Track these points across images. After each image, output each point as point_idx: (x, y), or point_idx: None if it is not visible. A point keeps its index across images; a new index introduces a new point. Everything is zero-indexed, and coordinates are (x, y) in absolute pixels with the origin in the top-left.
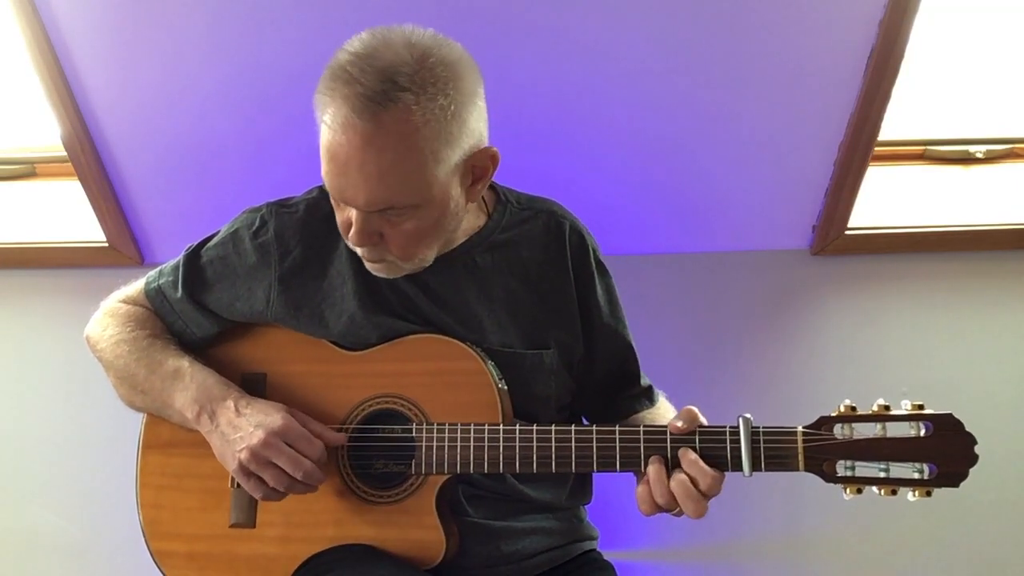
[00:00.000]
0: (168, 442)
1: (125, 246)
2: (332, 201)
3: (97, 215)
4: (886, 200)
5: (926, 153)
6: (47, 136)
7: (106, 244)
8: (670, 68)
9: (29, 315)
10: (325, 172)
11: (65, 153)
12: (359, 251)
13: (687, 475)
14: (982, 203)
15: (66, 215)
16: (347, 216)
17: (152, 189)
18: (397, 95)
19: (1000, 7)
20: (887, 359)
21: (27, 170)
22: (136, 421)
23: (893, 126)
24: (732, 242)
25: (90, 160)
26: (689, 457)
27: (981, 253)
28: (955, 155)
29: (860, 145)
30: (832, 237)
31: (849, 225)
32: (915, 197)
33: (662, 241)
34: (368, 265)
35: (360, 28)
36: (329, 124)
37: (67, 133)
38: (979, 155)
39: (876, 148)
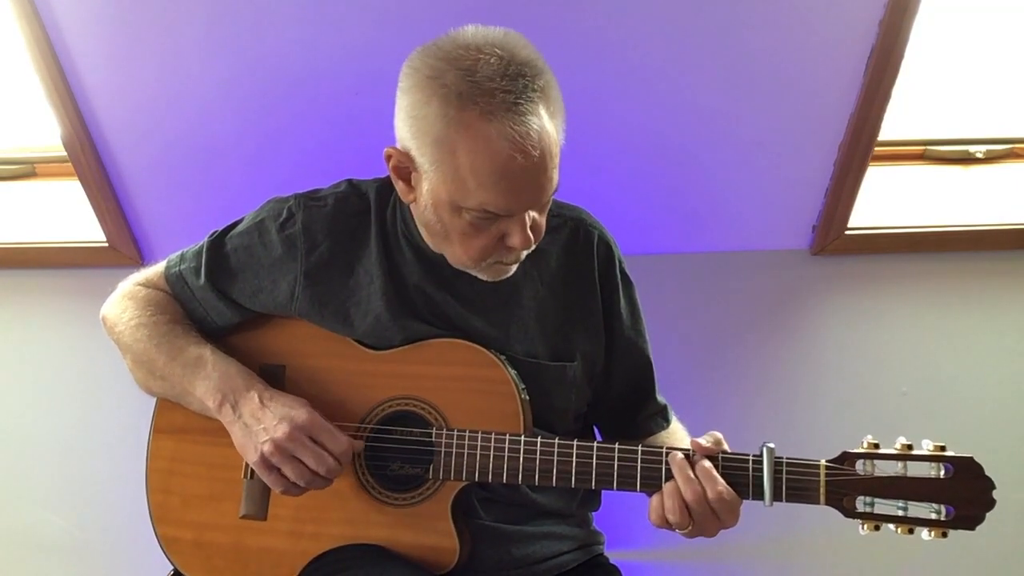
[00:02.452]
0: (181, 428)
1: (125, 246)
2: (468, 227)
3: (97, 215)
4: (886, 200)
5: (926, 153)
6: (47, 136)
7: (106, 244)
8: (670, 68)
9: (29, 315)
10: (497, 193)
11: (65, 153)
12: (512, 255)
13: (697, 479)
14: (982, 203)
15: (66, 215)
16: (497, 230)
17: (152, 189)
18: (537, 83)
19: (1000, 7)
20: (887, 359)
21: (27, 170)
22: (137, 421)
23: (893, 126)
24: (732, 242)
25: (90, 160)
26: (703, 465)
27: (981, 253)
28: (955, 155)
29: (860, 145)
30: (832, 237)
31: (849, 225)
32: (915, 197)
33: (662, 241)
34: (499, 271)
35: (362, 29)
36: (502, 139)
37: (67, 133)
38: (979, 155)
39: (876, 148)
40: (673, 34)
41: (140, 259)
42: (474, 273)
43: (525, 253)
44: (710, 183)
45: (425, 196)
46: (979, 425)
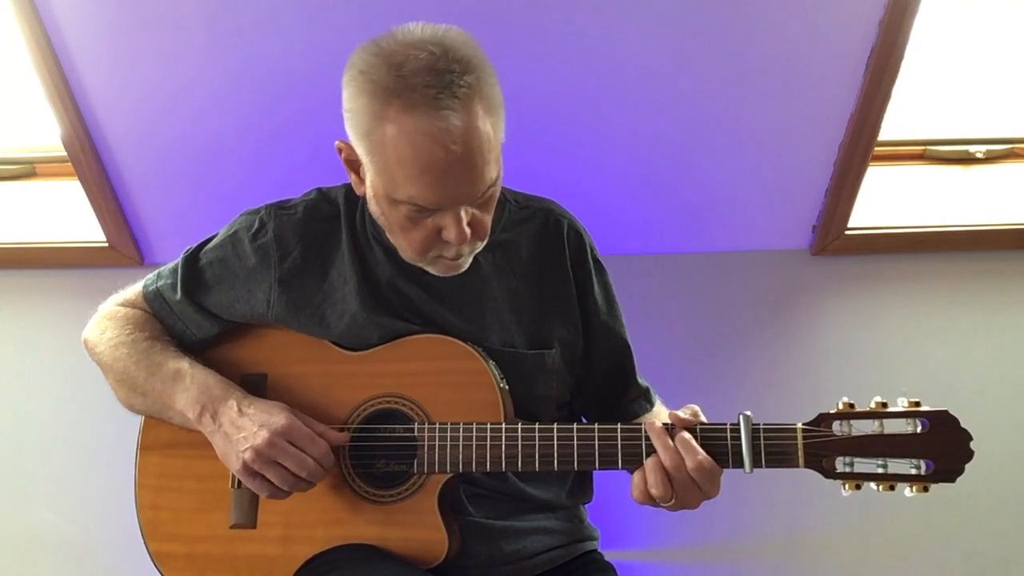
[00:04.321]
0: (167, 443)
1: (125, 246)
2: (406, 221)
3: (97, 215)
4: (886, 200)
5: (926, 153)
6: (47, 136)
7: (106, 244)
8: (670, 68)
9: (29, 315)
10: (420, 188)
11: (65, 153)
12: (450, 251)
13: (678, 451)
14: (982, 203)
15: (66, 215)
16: (429, 231)
17: (152, 189)
18: (465, 79)
19: (1000, 8)
20: (887, 359)
21: (27, 170)
22: (136, 421)
23: (893, 126)
24: (732, 242)
25: (90, 160)
26: (682, 436)
27: (981, 253)
28: (955, 155)
29: (860, 145)
30: (832, 237)
31: (849, 225)
32: (915, 197)
33: (662, 241)
34: (446, 266)
35: (361, 29)
36: (422, 134)
37: (67, 133)
38: (979, 155)
39: (876, 148)
40: (674, 34)
41: (140, 259)
42: (424, 267)
43: (470, 249)
44: (710, 183)
45: (369, 189)
46: (979, 425)
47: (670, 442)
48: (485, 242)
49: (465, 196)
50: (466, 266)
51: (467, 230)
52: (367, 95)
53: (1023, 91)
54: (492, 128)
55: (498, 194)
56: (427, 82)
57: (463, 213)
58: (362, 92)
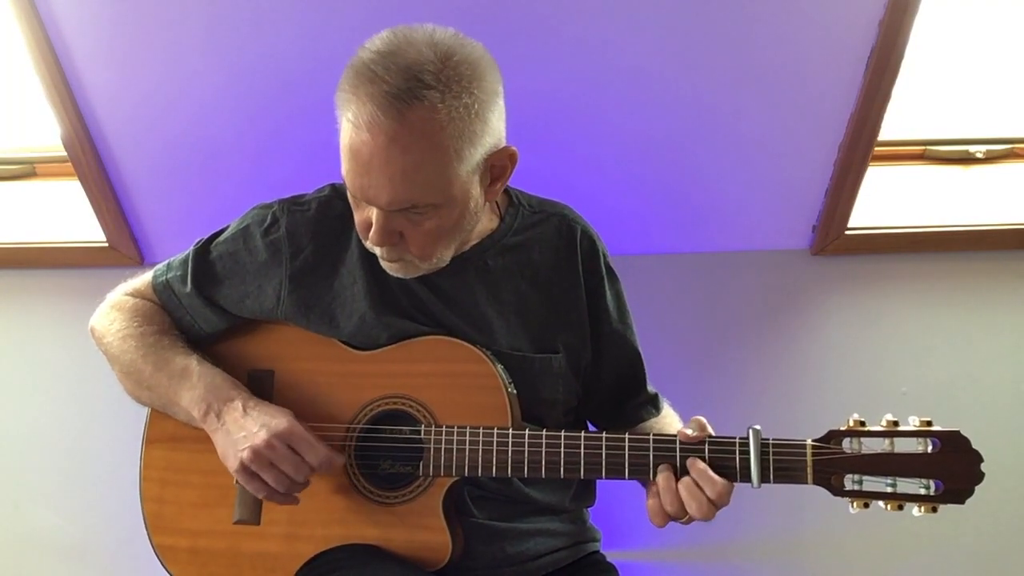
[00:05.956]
0: (173, 436)
1: (125, 246)
2: (351, 200)
3: (97, 215)
4: (886, 200)
5: (926, 153)
6: (47, 136)
7: (106, 244)
8: (670, 68)
9: (29, 315)
10: (347, 171)
11: (65, 153)
12: (377, 250)
13: (695, 482)
14: (982, 203)
15: (66, 215)
16: (366, 216)
17: (152, 189)
18: (423, 93)
19: (1000, 8)
20: (887, 359)
21: (27, 170)
22: (137, 421)
23: (893, 126)
24: (732, 242)
25: (90, 160)
26: (698, 467)
27: (981, 253)
28: (955, 155)
29: (860, 145)
30: (832, 237)
31: (849, 225)
32: (915, 197)
33: (662, 241)
34: (385, 264)
35: (360, 30)
36: (353, 122)
37: (67, 133)
38: (979, 155)
39: (876, 148)
40: (673, 34)
41: (140, 259)
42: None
43: (398, 256)
44: (710, 183)
45: None
46: (979, 425)
47: (676, 490)
48: (432, 261)
49: (372, 198)
50: (412, 274)
51: (378, 235)
52: (349, 68)
53: (1023, 91)
54: (437, 157)
55: (446, 224)
56: (390, 79)
57: (379, 215)
58: (350, 65)
